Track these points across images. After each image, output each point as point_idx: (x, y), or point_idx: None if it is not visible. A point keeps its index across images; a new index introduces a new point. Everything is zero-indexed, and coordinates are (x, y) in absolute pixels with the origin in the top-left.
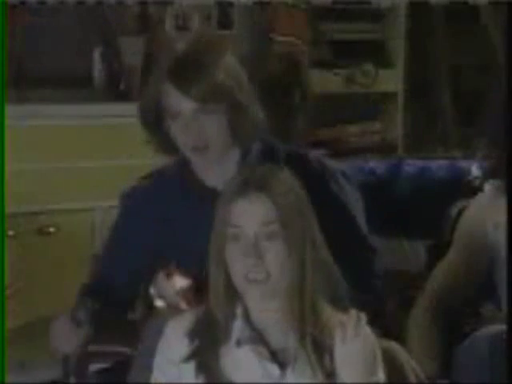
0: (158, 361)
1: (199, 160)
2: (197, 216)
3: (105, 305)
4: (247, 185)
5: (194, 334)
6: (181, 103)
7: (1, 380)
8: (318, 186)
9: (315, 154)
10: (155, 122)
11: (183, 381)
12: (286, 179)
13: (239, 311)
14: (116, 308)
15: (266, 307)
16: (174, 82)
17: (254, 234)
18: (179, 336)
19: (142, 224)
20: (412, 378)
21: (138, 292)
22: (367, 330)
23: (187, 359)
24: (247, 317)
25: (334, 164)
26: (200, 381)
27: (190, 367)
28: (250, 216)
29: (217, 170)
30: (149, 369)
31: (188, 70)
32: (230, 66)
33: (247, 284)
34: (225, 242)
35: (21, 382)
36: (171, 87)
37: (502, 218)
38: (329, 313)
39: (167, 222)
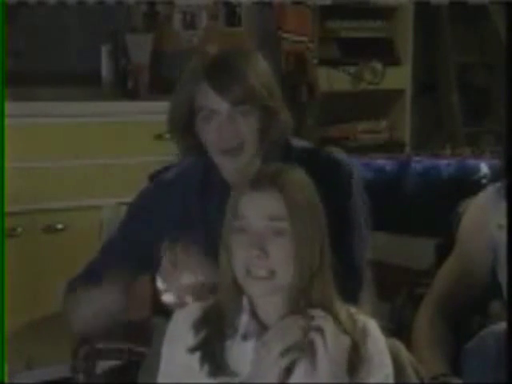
0: (165, 351)
1: (229, 163)
2: (218, 216)
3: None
4: (260, 179)
5: (200, 324)
6: (216, 103)
7: (1, 380)
8: (326, 185)
9: (329, 149)
10: (185, 123)
11: (189, 371)
12: (300, 179)
13: (245, 305)
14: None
15: (269, 302)
16: (209, 82)
17: (261, 227)
18: (186, 326)
19: (159, 219)
20: (413, 378)
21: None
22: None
23: (193, 349)
24: (253, 310)
25: (346, 161)
26: (204, 371)
27: (195, 358)
28: (258, 208)
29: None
30: (158, 369)
31: (223, 72)
32: (261, 72)
33: (250, 280)
34: (232, 233)
35: (27, 382)
36: (207, 87)
37: (506, 220)
38: (339, 306)
39: (187, 219)
